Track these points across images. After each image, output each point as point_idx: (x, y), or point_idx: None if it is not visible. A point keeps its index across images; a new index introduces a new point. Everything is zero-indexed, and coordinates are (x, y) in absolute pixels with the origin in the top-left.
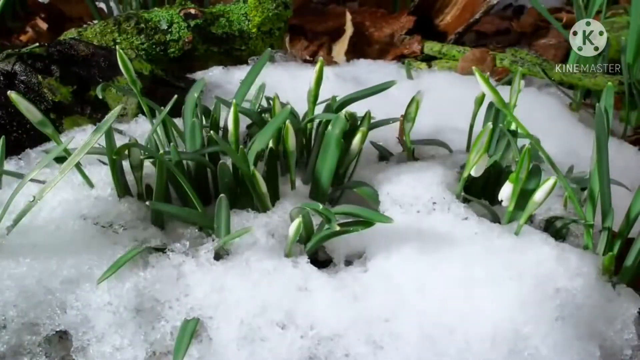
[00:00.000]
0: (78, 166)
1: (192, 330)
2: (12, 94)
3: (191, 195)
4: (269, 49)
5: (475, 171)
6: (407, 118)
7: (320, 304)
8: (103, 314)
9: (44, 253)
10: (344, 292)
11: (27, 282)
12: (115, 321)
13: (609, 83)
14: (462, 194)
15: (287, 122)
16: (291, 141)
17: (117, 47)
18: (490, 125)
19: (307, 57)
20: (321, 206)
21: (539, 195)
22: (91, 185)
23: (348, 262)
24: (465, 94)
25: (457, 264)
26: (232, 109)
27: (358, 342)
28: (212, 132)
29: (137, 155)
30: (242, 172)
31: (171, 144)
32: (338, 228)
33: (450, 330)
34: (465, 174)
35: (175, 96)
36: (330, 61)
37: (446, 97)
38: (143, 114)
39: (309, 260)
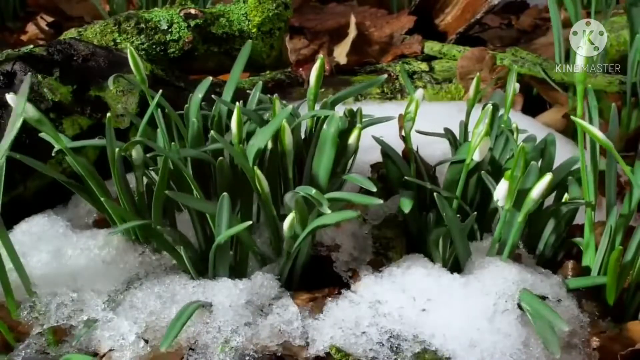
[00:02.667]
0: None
1: (188, 315)
2: (8, 96)
3: (195, 191)
4: (250, 40)
5: (478, 155)
6: (407, 117)
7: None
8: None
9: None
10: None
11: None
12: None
13: (589, 85)
14: (483, 172)
15: (284, 121)
16: (287, 140)
17: (128, 45)
18: (490, 106)
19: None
20: (314, 191)
21: (536, 192)
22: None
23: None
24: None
25: None
26: (235, 110)
27: None
28: (213, 131)
29: (140, 154)
30: (245, 170)
31: (172, 143)
32: (330, 212)
33: None
34: (468, 160)
35: (161, 90)
36: (332, 61)
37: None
38: (142, 113)
39: None
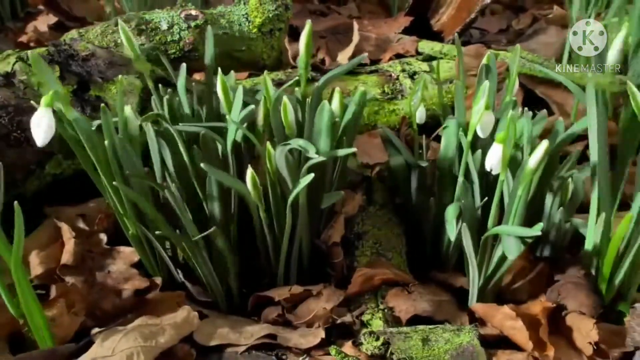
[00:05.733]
0: None
1: None
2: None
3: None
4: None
5: (482, 131)
6: (414, 97)
7: None
8: None
9: None
10: None
11: None
12: None
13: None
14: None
15: (285, 98)
16: (290, 117)
17: (119, 21)
18: (487, 83)
19: None
20: (301, 141)
21: (532, 161)
22: None
23: None
24: None
25: None
26: (218, 77)
27: None
28: (239, 123)
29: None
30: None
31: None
32: (317, 156)
33: None
34: (470, 137)
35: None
36: (334, 64)
37: None
38: (143, 113)
39: None
